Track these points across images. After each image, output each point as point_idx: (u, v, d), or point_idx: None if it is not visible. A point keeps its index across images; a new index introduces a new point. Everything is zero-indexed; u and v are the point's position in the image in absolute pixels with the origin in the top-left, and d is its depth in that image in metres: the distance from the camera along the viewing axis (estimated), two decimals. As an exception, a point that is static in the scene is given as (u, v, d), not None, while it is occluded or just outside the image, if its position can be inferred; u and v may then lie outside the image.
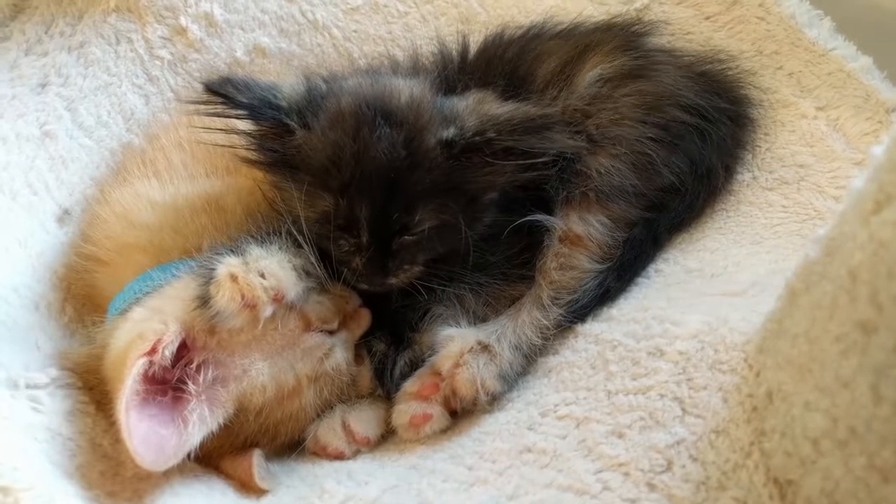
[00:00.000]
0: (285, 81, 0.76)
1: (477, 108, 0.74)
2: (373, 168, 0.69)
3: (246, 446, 0.69)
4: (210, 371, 0.64)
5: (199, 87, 0.74)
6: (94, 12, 0.98)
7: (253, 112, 0.71)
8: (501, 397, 0.74)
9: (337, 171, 0.70)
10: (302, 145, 0.72)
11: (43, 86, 0.92)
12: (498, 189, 0.76)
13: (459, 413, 0.75)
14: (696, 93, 0.85)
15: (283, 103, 0.72)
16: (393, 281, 0.74)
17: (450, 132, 0.71)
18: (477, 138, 0.70)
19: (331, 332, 0.74)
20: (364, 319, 0.78)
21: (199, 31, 1.03)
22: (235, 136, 0.74)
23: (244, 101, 0.71)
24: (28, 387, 0.64)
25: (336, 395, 0.74)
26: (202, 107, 0.72)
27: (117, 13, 0.99)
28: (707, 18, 1.03)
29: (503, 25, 0.94)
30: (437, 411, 0.73)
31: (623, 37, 0.88)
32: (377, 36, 1.12)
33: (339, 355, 0.73)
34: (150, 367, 0.60)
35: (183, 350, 0.63)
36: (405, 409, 0.74)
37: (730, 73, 0.94)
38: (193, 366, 0.63)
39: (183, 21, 1.02)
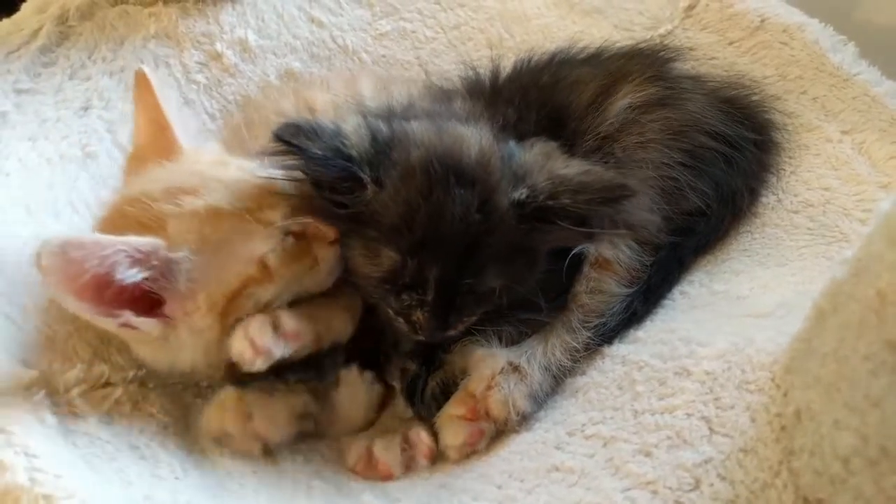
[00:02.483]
0: (347, 124, 0.73)
1: (546, 165, 0.72)
2: (447, 231, 0.68)
3: None
4: None
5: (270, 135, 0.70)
6: (134, 38, 1.02)
7: (326, 164, 0.68)
8: (530, 417, 0.74)
9: (408, 231, 0.68)
10: (371, 201, 0.70)
11: (86, 109, 0.96)
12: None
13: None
14: (721, 120, 0.86)
15: (354, 153, 0.70)
16: (452, 333, 0.74)
17: (522, 193, 0.70)
18: (550, 202, 0.69)
19: None
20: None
21: (233, 56, 1.07)
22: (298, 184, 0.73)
23: (318, 152, 0.68)
24: (67, 391, 0.66)
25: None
26: (274, 158, 0.71)
27: (156, 39, 1.04)
28: (731, 44, 1.05)
29: (531, 50, 0.96)
30: (485, 427, 0.74)
31: (654, 67, 0.89)
32: (405, 61, 1.15)
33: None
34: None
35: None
36: (458, 430, 0.73)
37: (754, 98, 0.95)
38: None
39: (219, 47, 1.06)
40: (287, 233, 0.71)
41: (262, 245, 0.69)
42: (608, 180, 0.72)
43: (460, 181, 0.69)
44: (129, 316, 0.65)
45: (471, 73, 0.92)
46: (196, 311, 0.68)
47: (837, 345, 0.51)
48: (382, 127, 0.73)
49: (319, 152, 0.68)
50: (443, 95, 0.88)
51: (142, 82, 0.78)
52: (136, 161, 0.77)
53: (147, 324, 0.67)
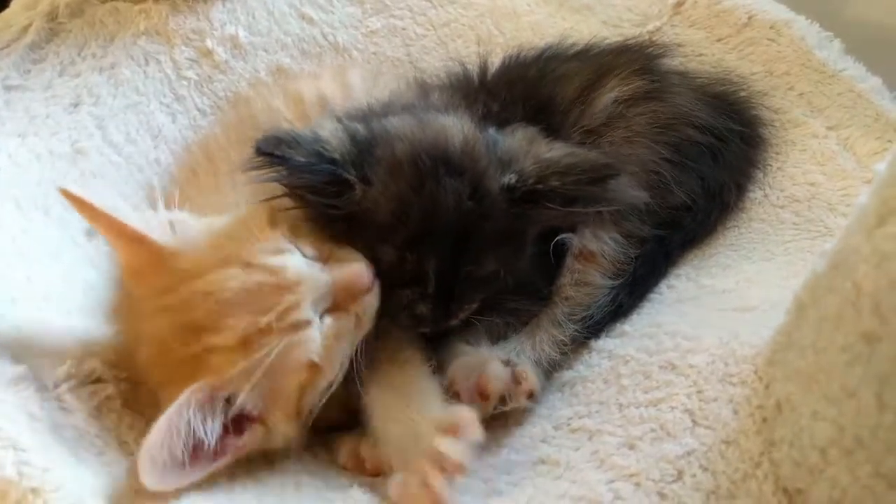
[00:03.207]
0: (323, 130, 0.72)
1: (531, 150, 0.73)
2: (441, 222, 0.68)
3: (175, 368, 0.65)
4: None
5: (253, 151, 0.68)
6: (124, 35, 1.02)
7: (311, 169, 0.68)
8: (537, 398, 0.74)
9: (403, 226, 0.68)
10: (362, 200, 0.70)
11: (75, 105, 0.95)
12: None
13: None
14: (708, 114, 0.86)
15: (336, 155, 0.69)
16: (454, 322, 0.74)
17: (511, 178, 0.70)
18: (539, 186, 0.69)
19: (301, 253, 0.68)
20: (354, 268, 0.68)
21: (224, 53, 1.07)
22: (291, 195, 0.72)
23: (301, 159, 0.67)
24: (56, 387, 0.66)
25: (267, 312, 0.63)
26: (259, 172, 0.69)
27: (147, 36, 1.03)
28: (719, 40, 1.06)
29: (520, 47, 0.97)
30: None
31: (641, 61, 0.90)
32: (395, 58, 1.15)
33: (290, 261, 0.66)
34: None
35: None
36: None
37: (742, 93, 0.96)
38: None
39: (209, 43, 1.06)
40: (322, 314, 0.67)
41: (304, 352, 0.65)
42: (594, 160, 0.72)
43: (450, 171, 0.69)
44: (235, 441, 0.64)
45: (459, 68, 0.92)
46: (278, 424, 0.67)
47: (816, 337, 0.52)
48: (359, 127, 0.73)
49: (303, 159, 0.67)
50: (420, 89, 0.88)
51: (77, 203, 0.68)
52: (134, 277, 0.71)
53: (253, 433, 0.66)
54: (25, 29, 0.95)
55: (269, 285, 0.64)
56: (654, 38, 1.05)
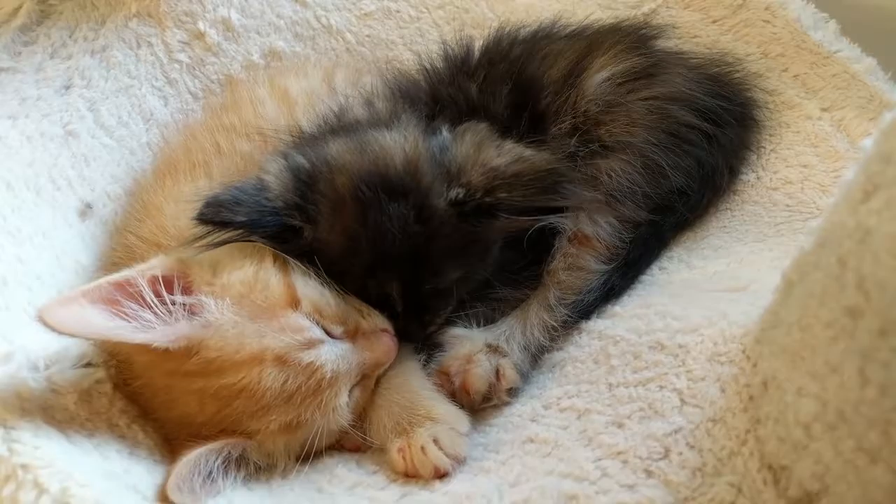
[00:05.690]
0: (268, 174, 0.72)
1: (479, 157, 0.72)
2: (392, 249, 0.69)
3: (203, 428, 0.67)
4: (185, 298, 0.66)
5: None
6: (116, 17, 1.02)
7: (256, 226, 0.69)
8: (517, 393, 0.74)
9: (357, 257, 0.70)
10: (313, 240, 0.71)
11: (67, 87, 0.96)
12: None
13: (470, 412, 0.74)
14: (704, 95, 0.86)
15: (279, 203, 0.70)
16: (432, 329, 0.76)
17: (458, 193, 0.70)
18: (488, 199, 0.70)
19: (329, 335, 0.70)
20: (382, 346, 0.72)
21: (216, 35, 1.07)
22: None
23: (243, 219, 0.68)
24: (47, 368, 0.66)
25: (308, 407, 0.66)
26: (205, 240, 0.70)
27: (138, 18, 1.03)
28: (714, 22, 1.05)
29: (505, 24, 0.96)
30: None
31: (631, 38, 0.89)
32: (389, 40, 1.15)
33: (324, 356, 0.67)
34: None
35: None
36: None
37: (736, 75, 0.95)
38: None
39: (201, 26, 1.06)
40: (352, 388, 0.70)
41: (337, 424, 0.69)
42: (540, 167, 0.71)
43: (392, 196, 0.69)
44: None
45: (445, 50, 0.90)
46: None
47: (802, 313, 0.52)
48: (303, 161, 0.73)
49: (246, 218, 0.68)
50: (366, 100, 0.86)
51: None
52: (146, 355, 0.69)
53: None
54: (16, 11, 0.95)
55: (308, 385, 0.66)
56: (649, 20, 1.04)
